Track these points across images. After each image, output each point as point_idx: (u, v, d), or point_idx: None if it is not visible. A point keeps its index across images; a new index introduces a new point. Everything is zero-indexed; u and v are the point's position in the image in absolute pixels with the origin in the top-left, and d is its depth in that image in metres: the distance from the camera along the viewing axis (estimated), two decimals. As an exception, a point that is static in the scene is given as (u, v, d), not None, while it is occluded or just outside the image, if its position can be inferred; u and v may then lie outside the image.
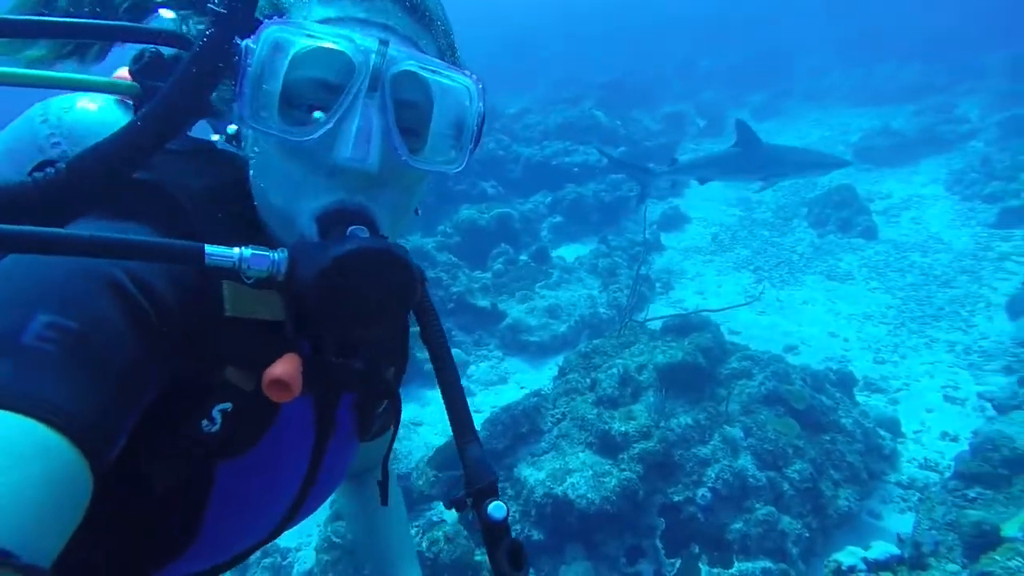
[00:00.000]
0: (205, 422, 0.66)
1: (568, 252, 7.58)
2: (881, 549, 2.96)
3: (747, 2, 22.55)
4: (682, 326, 4.83)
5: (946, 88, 12.32)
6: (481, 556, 3.33)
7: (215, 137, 0.75)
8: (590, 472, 3.54)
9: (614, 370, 4.19)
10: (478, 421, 4.02)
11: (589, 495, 3.41)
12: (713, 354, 4.42)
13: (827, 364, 5.17)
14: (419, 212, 0.80)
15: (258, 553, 3.97)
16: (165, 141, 0.66)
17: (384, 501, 1.02)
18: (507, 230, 7.43)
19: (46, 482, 0.44)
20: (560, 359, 4.98)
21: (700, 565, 3.33)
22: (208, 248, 0.60)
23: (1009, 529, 2.58)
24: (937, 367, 5.25)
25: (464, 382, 0.97)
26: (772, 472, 3.67)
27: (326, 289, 0.62)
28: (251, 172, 0.71)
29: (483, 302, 6.25)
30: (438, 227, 7.43)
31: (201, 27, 0.74)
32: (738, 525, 3.45)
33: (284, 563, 4.08)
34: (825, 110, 13.05)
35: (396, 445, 1.04)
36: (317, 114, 0.65)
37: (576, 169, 9.11)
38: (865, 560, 2.88)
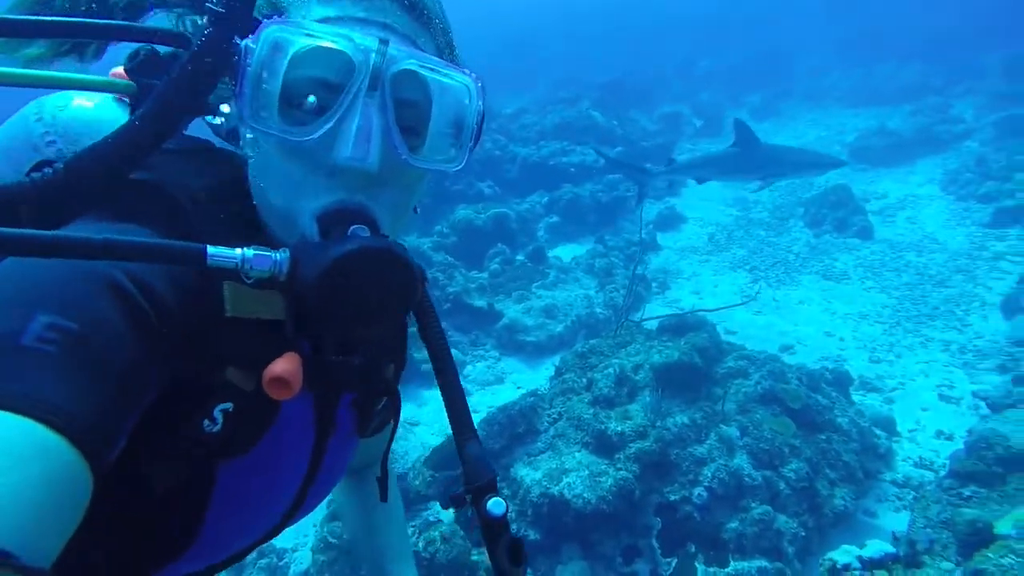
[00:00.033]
0: (206, 422, 0.66)
1: (565, 252, 7.58)
2: (876, 547, 2.97)
3: (747, 2, 22.57)
4: (678, 326, 4.83)
5: (942, 88, 12.35)
6: (478, 556, 3.33)
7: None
8: (586, 472, 3.54)
9: (610, 370, 4.20)
10: (475, 421, 4.02)
11: (585, 495, 3.42)
12: (709, 354, 4.43)
13: (823, 363, 5.18)
14: (418, 211, 0.80)
15: (254, 554, 3.96)
16: (163, 140, 0.66)
17: (383, 497, 1.02)
18: (504, 230, 7.43)
19: (46, 483, 0.44)
20: (557, 359, 4.99)
21: (696, 564, 3.34)
22: (210, 249, 0.60)
23: (1003, 527, 2.59)
24: (932, 366, 5.27)
25: (461, 382, 0.97)
26: (768, 471, 3.68)
27: (328, 289, 0.62)
28: (250, 171, 0.71)
29: (480, 302, 6.25)
30: (435, 227, 7.43)
31: (198, 25, 0.75)
32: (734, 524, 3.45)
33: (280, 563, 4.08)
34: (822, 110, 13.08)
35: (393, 445, 1.04)
36: (310, 99, 0.65)
37: (573, 169, 9.12)
38: (860, 558, 2.89)
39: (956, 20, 16.37)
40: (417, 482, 4.03)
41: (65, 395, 0.48)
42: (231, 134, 0.77)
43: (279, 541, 4.06)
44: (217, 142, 0.80)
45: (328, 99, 0.65)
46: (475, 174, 8.77)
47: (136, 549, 0.69)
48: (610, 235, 7.76)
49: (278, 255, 0.63)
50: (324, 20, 0.66)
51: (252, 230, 0.71)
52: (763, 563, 3.29)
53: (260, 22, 0.64)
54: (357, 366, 0.77)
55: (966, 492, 3.17)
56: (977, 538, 2.67)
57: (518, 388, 5.29)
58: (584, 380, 4.31)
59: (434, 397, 5.20)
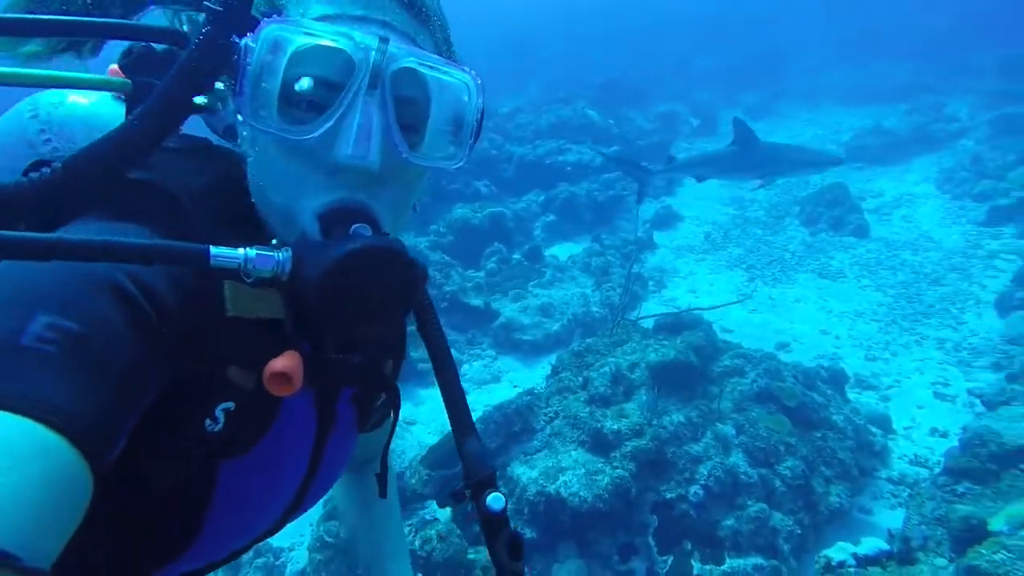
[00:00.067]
0: (208, 421, 0.66)
1: (561, 251, 7.59)
2: (871, 544, 2.99)
3: (746, 2, 22.59)
4: (674, 324, 4.84)
5: (938, 87, 12.40)
6: (474, 554, 3.33)
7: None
8: (583, 470, 3.55)
9: (606, 368, 4.20)
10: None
11: (582, 493, 3.42)
12: (705, 352, 4.44)
13: (819, 361, 5.19)
14: (417, 208, 0.80)
15: (251, 553, 3.96)
16: (162, 139, 0.66)
17: (383, 493, 1.02)
18: (500, 229, 7.43)
19: (46, 483, 0.44)
20: (553, 358, 4.99)
21: (692, 562, 3.35)
22: (213, 250, 0.59)
23: (996, 523, 2.61)
24: (927, 364, 5.29)
25: (460, 378, 0.98)
26: (764, 469, 3.69)
27: (330, 288, 0.62)
28: (249, 169, 0.71)
29: (476, 301, 6.25)
30: (431, 226, 7.43)
31: (195, 22, 0.75)
32: (730, 522, 3.46)
33: (277, 563, 4.08)
34: (818, 109, 13.11)
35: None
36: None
37: (569, 168, 9.12)
38: (855, 555, 2.90)
39: (951, 19, 16.42)
40: (414, 481, 4.03)
41: (65, 395, 0.47)
42: (228, 131, 0.77)
43: (276, 540, 4.06)
44: (214, 139, 0.80)
45: (328, 97, 0.65)
46: (471, 173, 8.76)
47: (136, 549, 0.68)
48: (606, 234, 7.77)
49: (280, 255, 0.63)
50: (323, 18, 0.65)
51: (251, 228, 0.71)
52: (759, 560, 3.30)
53: (258, 20, 0.64)
54: (357, 363, 0.78)
55: (960, 489, 3.18)
56: (971, 534, 2.68)
57: (514, 387, 5.29)
58: (580, 379, 4.32)
59: (431, 396, 5.20)
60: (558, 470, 3.60)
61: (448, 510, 3.79)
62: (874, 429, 4.35)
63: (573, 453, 3.72)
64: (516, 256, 7.06)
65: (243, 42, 0.63)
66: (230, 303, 0.67)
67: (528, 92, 13.78)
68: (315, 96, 0.65)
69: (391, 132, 0.66)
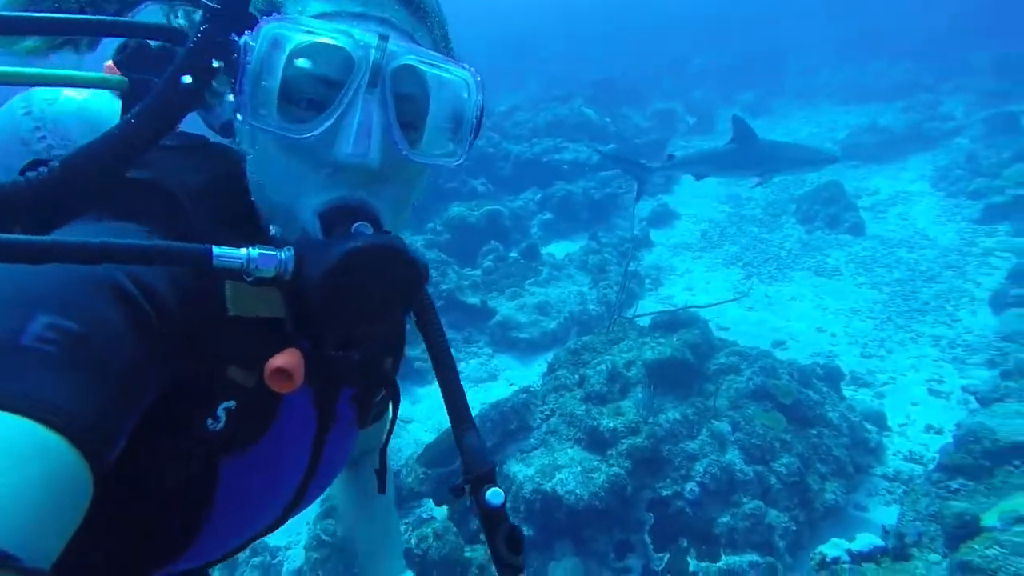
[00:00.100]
0: (210, 421, 0.66)
1: (558, 249, 7.59)
2: (865, 541, 3.00)
3: (745, 2, 22.58)
4: (671, 322, 4.85)
5: (933, 86, 12.43)
6: (470, 552, 3.34)
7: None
8: (579, 468, 3.55)
9: (603, 366, 4.21)
10: (467, 418, 4.01)
11: (578, 491, 3.43)
12: (701, 350, 4.44)
13: (814, 359, 5.21)
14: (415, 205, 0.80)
15: (247, 552, 3.96)
16: (160, 137, 0.66)
17: (382, 489, 1.03)
18: (497, 227, 7.43)
19: (46, 483, 0.44)
20: (550, 356, 5.00)
21: (688, 559, 3.36)
22: (215, 250, 0.59)
23: (989, 519, 2.62)
24: (922, 361, 5.31)
25: (459, 374, 0.98)
26: (759, 466, 3.70)
27: (333, 287, 0.62)
28: (248, 167, 0.71)
29: (473, 299, 6.25)
30: (427, 224, 7.42)
31: (191, 18, 0.74)
32: (726, 519, 3.47)
33: (274, 562, 4.07)
34: (814, 108, 13.14)
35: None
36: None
37: (566, 166, 9.12)
38: (849, 552, 2.92)
39: (948, 19, 16.45)
40: (410, 479, 4.03)
41: (65, 395, 0.47)
42: (225, 128, 0.76)
43: (272, 539, 4.06)
44: (209, 135, 0.80)
45: (328, 95, 0.65)
46: (468, 171, 8.76)
47: (137, 549, 0.69)
48: (603, 232, 7.77)
49: (283, 254, 0.63)
50: (321, 15, 0.65)
51: (250, 227, 0.71)
52: (754, 557, 3.31)
53: (255, 17, 0.64)
54: (357, 360, 0.78)
55: (954, 485, 3.20)
56: (964, 530, 2.69)
57: (511, 385, 5.30)
58: (577, 377, 4.32)
59: (427, 395, 5.21)
60: (554, 468, 3.60)
61: (444, 508, 3.80)
62: (869, 426, 4.37)
63: (569, 451, 3.73)
64: (513, 254, 7.06)
65: (243, 40, 0.63)
66: (231, 303, 0.67)
67: (526, 91, 13.77)
68: (315, 94, 0.65)
69: (391, 130, 0.66)
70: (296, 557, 4.01)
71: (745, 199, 8.87)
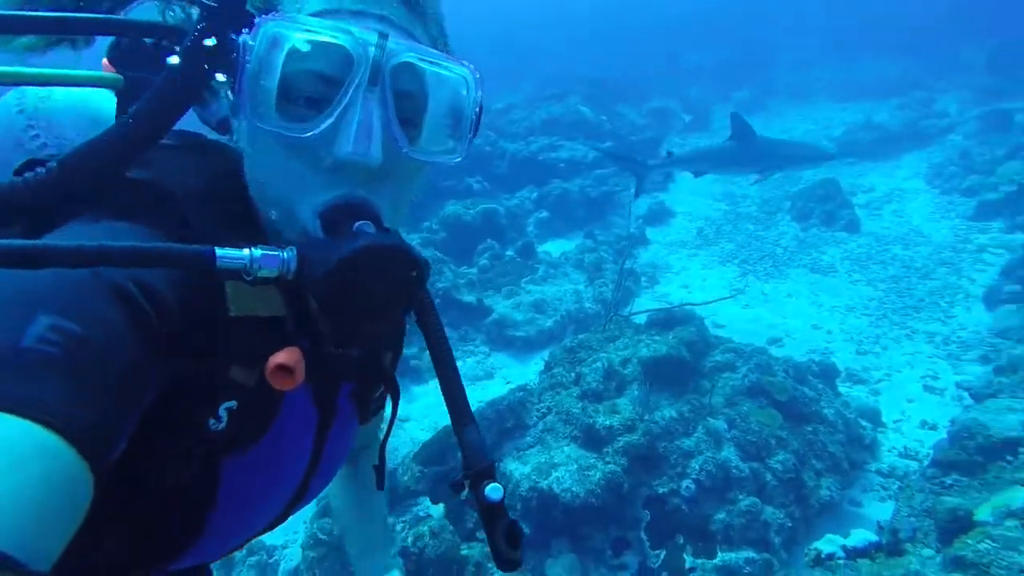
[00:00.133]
0: (212, 421, 0.66)
1: (554, 247, 7.60)
2: (860, 537, 3.01)
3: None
4: (667, 320, 4.85)
5: (928, 83, 12.48)
6: (467, 550, 3.34)
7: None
8: (575, 466, 3.56)
9: (598, 364, 4.21)
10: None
11: (574, 488, 3.44)
12: (697, 347, 4.45)
13: (810, 356, 5.23)
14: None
15: (244, 551, 3.96)
16: (159, 137, 0.66)
17: (380, 485, 1.03)
18: (493, 225, 7.43)
19: (46, 484, 0.44)
20: (546, 354, 5.00)
21: (684, 556, 3.37)
22: (219, 251, 0.59)
23: (981, 513, 2.64)
24: (917, 357, 5.33)
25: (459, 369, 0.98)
26: (755, 463, 3.72)
27: (337, 286, 0.62)
28: (247, 166, 0.71)
29: (469, 298, 6.25)
30: (423, 223, 7.41)
31: (187, 14, 0.74)
32: (722, 516, 3.48)
33: (270, 561, 4.07)
34: (810, 105, 13.17)
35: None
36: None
37: (562, 164, 9.13)
38: (844, 548, 2.93)
39: (943, 15, 16.49)
40: (406, 478, 4.04)
41: (65, 397, 0.47)
42: (222, 124, 0.76)
43: (269, 538, 4.06)
44: (205, 131, 0.80)
45: (327, 93, 0.65)
46: (464, 170, 8.75)
47: (139, 549, 0.69)
48: (599, 230, 7.78)
49: (286, 254, 0.63)
50: (320, 13, 0.65)
51: (250, 226, 0.71)
52: (750, 554, 3.32)
53: (253, 15, 0.64)
54: (356, 358, 0.78)
55: (948, 481, 3.22)
56: (957, 525, 2.71)
57: (507, 383, 5.30)
58: (573, 375, 4.33)
59: (424, 393, 5.21)
60: (551, 466, 3.61)
61: (441, 506, 3.80)
62: (864, 423, 4.39)
63: (565, 449, 3.74)
64: (509, 252, 7.06)
65: (242, 40, 0.63)
66: (232, 303, 0.67)
67: (522, 89, 13.75)
68: (314, 92, 0.65)
69: (391, 127, 0.66)
70: (293, 556, 4.01)
71: (741, 197, 8.89)
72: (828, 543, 3.00)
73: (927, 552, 2.74)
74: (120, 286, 0.56)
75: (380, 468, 1.02)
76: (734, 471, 3.65)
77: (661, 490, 3.59)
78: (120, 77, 0.77)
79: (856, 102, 12.35)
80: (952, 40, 14.01)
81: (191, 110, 0.74)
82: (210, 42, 0.64)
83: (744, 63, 15.88)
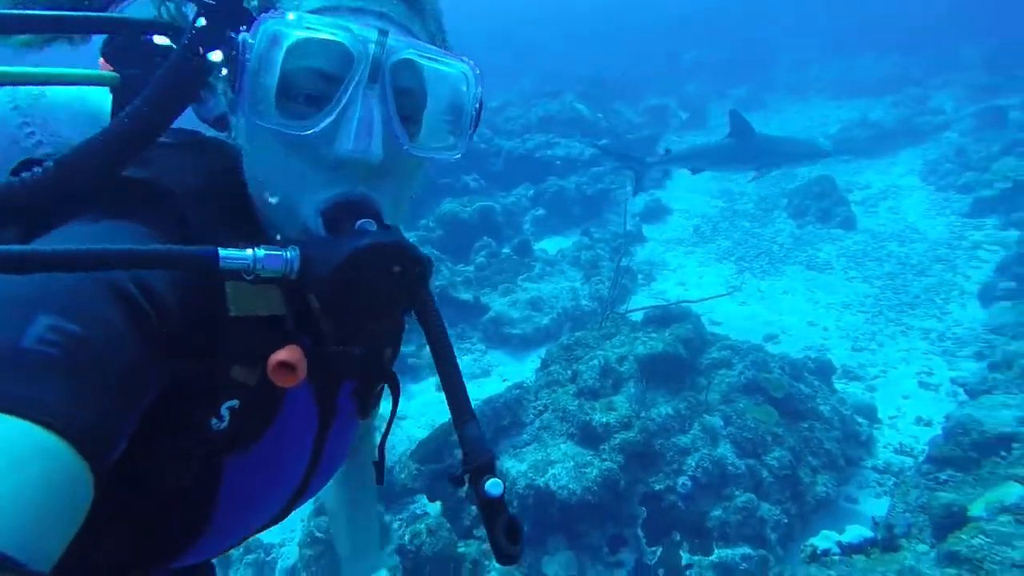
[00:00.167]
0: (214, 420, 0.66)
1: (550, 245, 7.59)
2: (855, 532, 3.03)
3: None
4: (663, 317, 4.86)
5: (923, 80, 12.50)
6: (464, 548, 3.35)
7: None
8: (571, 463, 3.56)
9: (595, 361, 4.22)
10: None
11: (571, 486, 3.44)
12: (693, 344, 4.46)
13: (806, 353, 5.24)
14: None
15: (240, 549, 3.95)
16: (157, 136, 0.65)
17: (380, 481, 1.03)
18: (489, 223, 7.42)
19: (46, 485, 0.44)
20: (543, 351, 5.00)
21: (681, 552, 3.38)
22: (222, 252, 0.59)
23: (975, 509, 2.65)
24: (913, 354, 5.35)
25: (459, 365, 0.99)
26: (751, 460, 3.73)
27: (341, 285, 0.62)
28: (246, 164, 0.70)
29: (466, 295, 6.24)
30: (420, 220, 7.41)
31: (182, 12, 0.74)
32: (718, 512, 3.49)
33: (268, 559, 4.07)
34: (806, 102, 13.19)
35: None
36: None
37: (558, 162, 9.12)
38: (839, 544, 2.94)
39: (941, 13, 16.52)
40: (403, 475, 4.04)
41: (65, 397, 0.47)
42: (219, 121, 0.76)
43: (266, 536, 4.05)
44: (202, 128, 0.80)
45: (327, 90, 0.64)
46: (461, 167, 8.74)
47: (140, 548, 0.69)
48: (596, 227, 7.78)
49: (289, 253, 0.63)
50: (319, 10, 0.65)
51: (249, 225, 0.71)
52: (747, 550, 3.33)
53: (251, 13, 0.64)
54: (357, 355, 0.78)
55: (943, 476, 3.23)
56: (951, 521, 2.72)
57: (504, 381, 5.30)
58: (569, 372, 4.33)
59: (421, 391, 5.21)
60: (547, 463, 3.61)
61: (438, 504, 3.80)
62: (860, 419, 4.40)
63: (562, 446, 3.74)
64: (505, 250, 7.05)
65: (241, 38, 0.63)
66: (232, 303, 0.67)
67: (519, 87, 13.74)
68: (313, 89, 0.65)
69: (392, 124, 0.66)
70: (290, 554, 4.01)
71: (737, 194, 8.90)
72: (824, 539, 3.01)
73: (922, 548, 2.75)
74: (120, 286, 0.56)
75: (380, 464, 1.03)
76: (730, 468, 3.65)
77: (657, 487, 3.60)
78: (116, 75, 0.77)
79: (851, 99, 12.38)
80: (952, 40, 14.02)
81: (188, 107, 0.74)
82: (209, 40, 0.64)
83: (743, 62, 15.88)
